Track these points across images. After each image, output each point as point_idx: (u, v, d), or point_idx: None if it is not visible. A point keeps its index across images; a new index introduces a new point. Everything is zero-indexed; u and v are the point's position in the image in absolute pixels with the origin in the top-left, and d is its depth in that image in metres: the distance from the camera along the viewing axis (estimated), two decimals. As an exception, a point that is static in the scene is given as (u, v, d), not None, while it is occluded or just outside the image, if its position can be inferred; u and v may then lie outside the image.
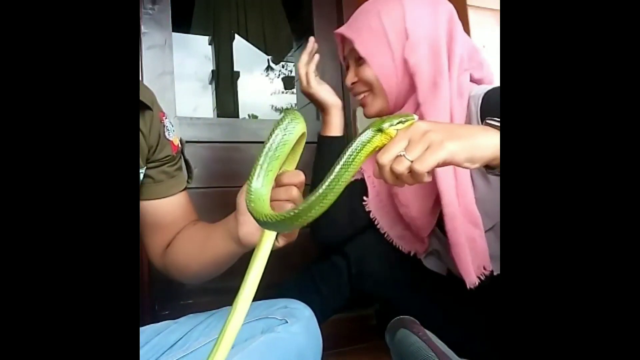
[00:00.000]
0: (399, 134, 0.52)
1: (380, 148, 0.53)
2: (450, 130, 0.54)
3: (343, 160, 0.50)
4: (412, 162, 0.50)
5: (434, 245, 0.91)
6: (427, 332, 0.79)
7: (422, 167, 0.50)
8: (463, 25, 0.90)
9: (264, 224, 0.47)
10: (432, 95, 0.81)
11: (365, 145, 0.52)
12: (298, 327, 0.63)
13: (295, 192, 0.55)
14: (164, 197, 0.74)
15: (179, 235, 0.75)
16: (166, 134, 0.76)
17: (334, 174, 0.48)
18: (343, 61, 0.98)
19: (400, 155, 0.50)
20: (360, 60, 0.89)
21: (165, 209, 0.75)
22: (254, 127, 1.62)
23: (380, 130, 0.53)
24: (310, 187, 1.07)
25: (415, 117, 0.55)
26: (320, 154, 1.00)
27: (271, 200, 0.52)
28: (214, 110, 3.93)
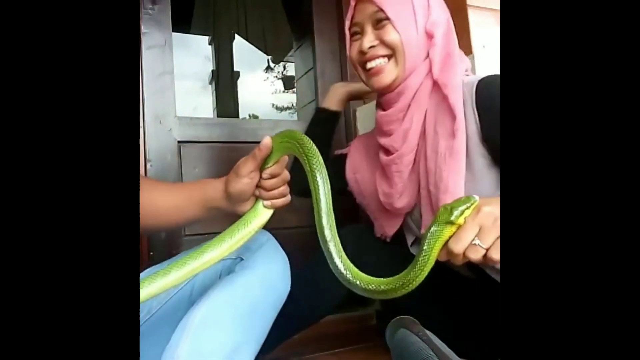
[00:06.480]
0: (468, 221, 0.53)
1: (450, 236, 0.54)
2: None
3: (419, 261, 0.53)
4: (486, 249, 0.51)
5: (418, 234, 0.91)
6: (427, 332, 0.78)
7: (499, 255, 0.51)
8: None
9: (368, 291, 0.57)
10: (447, 65, 0.86)
11: (437, 241, 0.54)
12: (255, 258, 0.64)
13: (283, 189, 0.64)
14: None
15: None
16: None
17: (409, 276, 0.54)
18: (349, 30, 0.94)
19: (474, 244, 0.52)
20: (383, 23, 0.87)
21: None
22: (254, 127, 1.62)
23: (450, 223, 0.53)
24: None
25: (477, 198, 0.55)
26: (310, 124, 1.07)
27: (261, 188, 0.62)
28: (214, 110, 3.93)
